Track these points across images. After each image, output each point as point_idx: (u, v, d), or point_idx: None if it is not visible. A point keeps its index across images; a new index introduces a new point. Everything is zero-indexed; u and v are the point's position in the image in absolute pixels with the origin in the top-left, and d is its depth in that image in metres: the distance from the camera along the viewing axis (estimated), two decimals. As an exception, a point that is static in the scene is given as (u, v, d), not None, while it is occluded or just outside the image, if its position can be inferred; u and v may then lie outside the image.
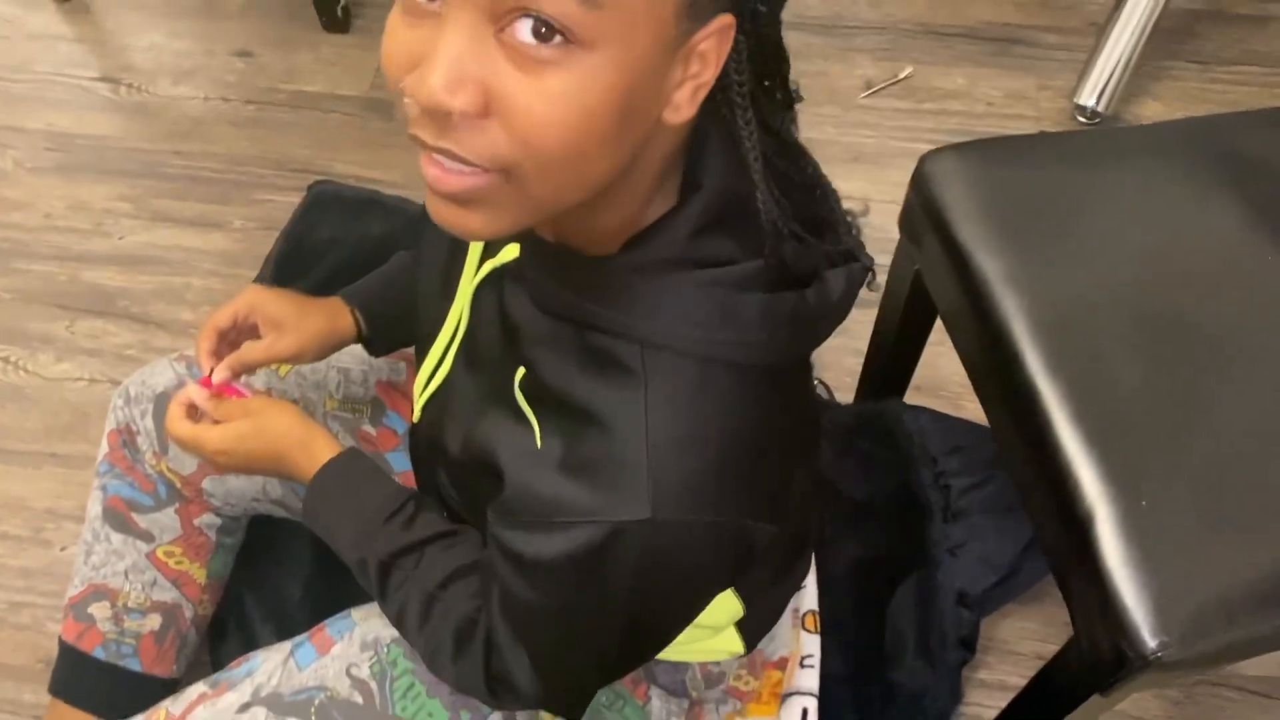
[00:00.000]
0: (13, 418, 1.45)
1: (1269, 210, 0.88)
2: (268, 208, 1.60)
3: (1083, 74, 1.63)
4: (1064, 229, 0.88)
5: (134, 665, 1.12)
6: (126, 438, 1.09)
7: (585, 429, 0.63)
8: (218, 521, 1.14)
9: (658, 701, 0.93)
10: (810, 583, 1.08)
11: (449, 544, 0.83)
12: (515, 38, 0.50)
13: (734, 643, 0.89)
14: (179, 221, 1.61)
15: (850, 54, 1.72)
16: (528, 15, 0.49)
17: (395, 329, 1.01)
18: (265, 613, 1.24)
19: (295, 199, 1.57)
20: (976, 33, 1.74)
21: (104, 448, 1.11)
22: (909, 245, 0.98)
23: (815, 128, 1.64)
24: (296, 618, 1.24)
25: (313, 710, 0.88)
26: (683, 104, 0.55)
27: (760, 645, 0.96)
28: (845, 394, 1.36)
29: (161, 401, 1.07)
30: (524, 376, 0.70)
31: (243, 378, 0.97)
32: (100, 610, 1.11)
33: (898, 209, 1.02)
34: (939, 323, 1.04)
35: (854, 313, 1.52)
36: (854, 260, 0.68)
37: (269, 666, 0.93)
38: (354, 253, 1.50)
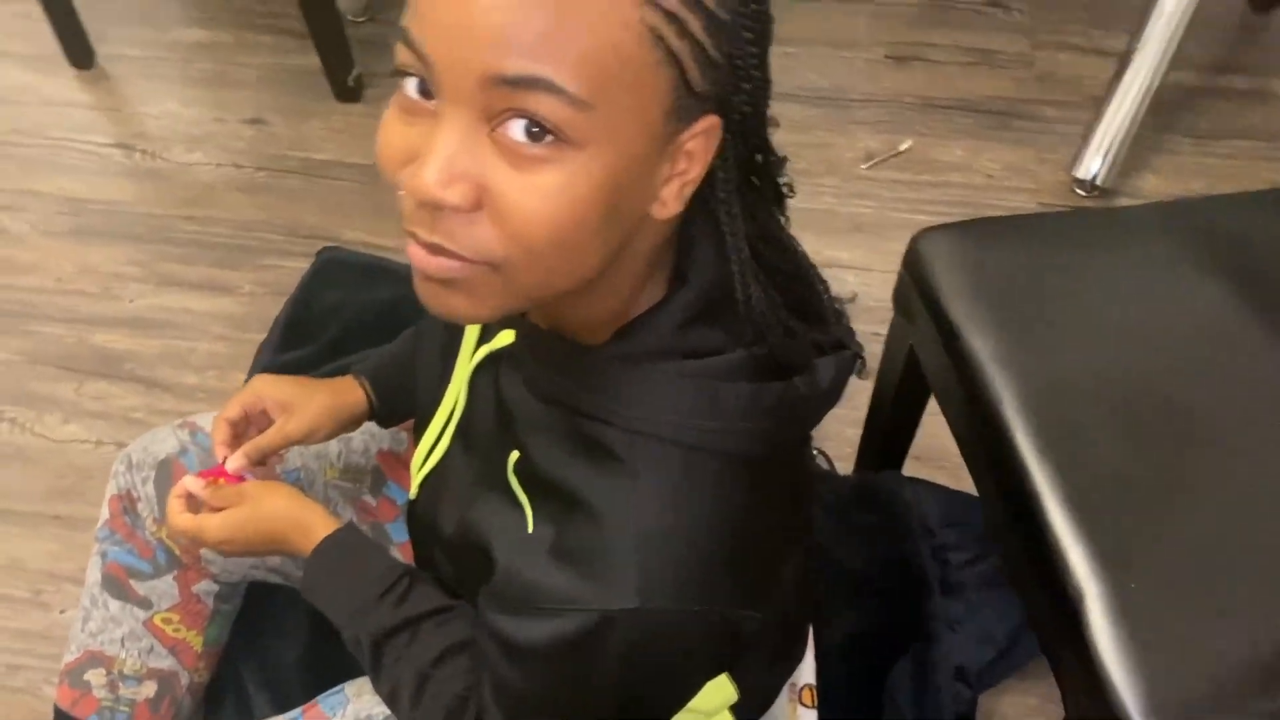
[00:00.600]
0: (17, 478, 1.46)
1: (1256, 292, 0.89)
2: (276, 273, 1.62)
3: (1081, 147, 1.65)
4: (1054, 309, 0.89)
5: (128, 733, 1.12)
6: (127, 504, 1.10)
7: (575, 515, 0.64)
8: (215, 588, 1.14)
9: None
10: (808, 656, 1.07)
11: (443, 620, 0.83)
12: (508, 136, 0.51)
13: (727, 693, 0.89)
14: (187, 286, 1.63)
15: (851, 126, 1.74)
16: (521, 116, 0.50)
17: (407, 402, 1.02)
18: (261, 681, 1.23)
19: (304, 264, 1.59)
20: (976, 106, 1.77)
21: (104, 513, 1.11)
22: (902, 321, 1.00)
23: (816, 198, 1.66)
24: (292, 686, 1.23)
25: None
26: (670, 200, 0.57)
27: (757, 720, 0.95)
28: (845, 464, 1.36)
29: (163, 468, 1.08)
30: (517, 460, 0.71)
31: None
32: (96, 677, 1.10)
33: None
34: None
35: (853, 383, 1.53)
36: (843, 348, 0.69)
37: None
38: (361, 318, 1.52)
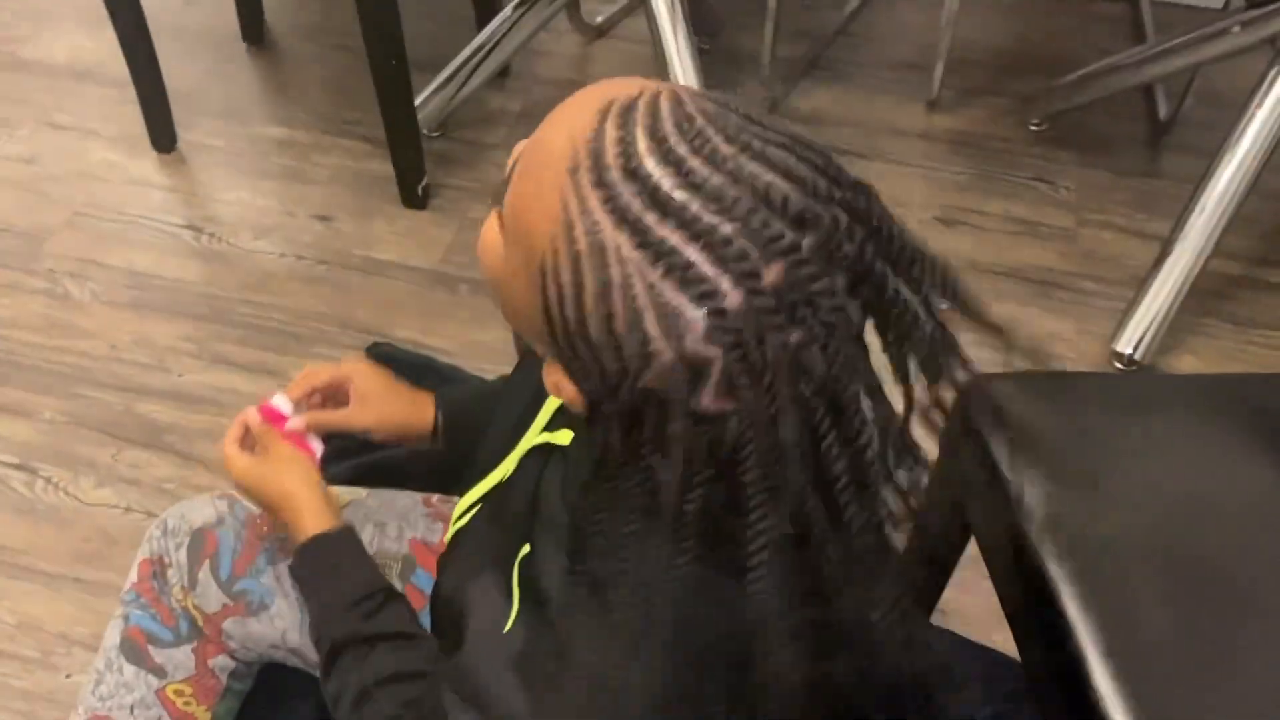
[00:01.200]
0: (45, 538, 1.46)
1: (1302, 470, 0.89)
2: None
3: (1121, 323, 1.69)
4: (1105, 467, 0.90)
5: (124, 805, 1.09)
6: (158, 569, 1.10)
7: (547, 637, 0.66)
8: (231, 665, 1.13)
9: None
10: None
11: (400, 646, 0.85)
12: None
13: None
14: (238, 366, 1.66)
15: (897, 280, 1.78)
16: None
17: (468, 446, 1.04)
18: (261, 766, 1.21)
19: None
20: (1020, 274, 1.81)
21: (133, 576, 1.11)
22: (950, 470, 1.00)
23: (859, 345, 1.69)
24: (293, 774, 1.21)
25: None
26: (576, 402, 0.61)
27: None
28: (870, 609, 1.35)
29: (198, 537, 1.09)
30: (525, 555, 0.72)
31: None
32: (99, 744, 1.09)
33: (935, 433, 1.04)
34: (970, 548, 1.05)
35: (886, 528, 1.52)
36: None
37: None
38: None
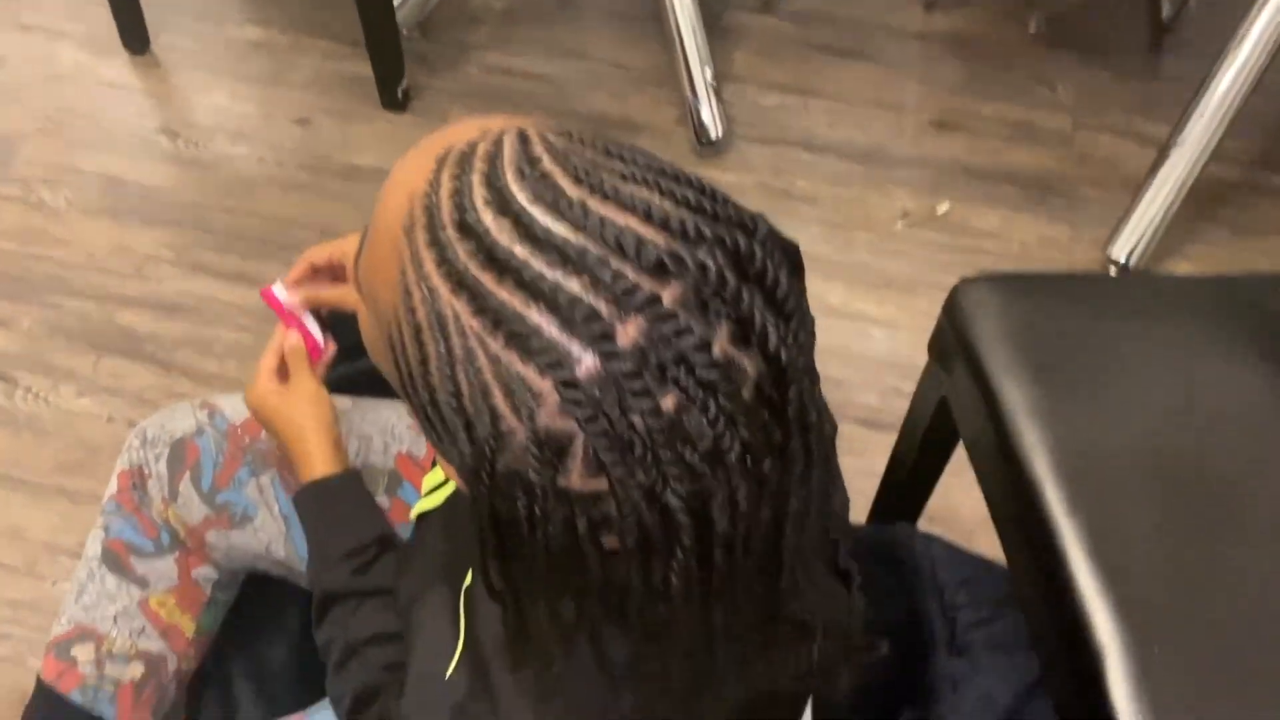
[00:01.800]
0: (26, 447, 1.45)
1: (1300, 374, 0.88)
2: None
3: (1116, 228, 1.66)
4: (1094, 370, 0.88)
5: (108, 714, 1.10)
6: (137, 480, 1.09)
7: (485, 699, 0.63)
8: (215, 575, 1.12)
9: None
10: (805, 708, 1.05)
11: (389, 604, 0.84)
12: None
13: None
14: (217, 274, 1.64)
15: (890, 185, 1.75)
16: None
17: None
18: (248, 674, 1.21)
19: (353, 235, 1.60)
20: (1015, 178, 1.78)
21: (112, 487, 1.10)
22: (937, 370, 0.99)
23: (849, 251, 1.66)
24: (279, 684, 1.21)
25: None
26: None
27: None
28: (857, 515, 1.35)
29: (178, 448, 1.07)
30: (468, 586, 0.70)
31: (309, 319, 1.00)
32: (84, 653, 1.09)
33: (925, 336, 1.03)
34: (957, 454, 1.04)
35: (871, 435, 1.53)
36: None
37: None
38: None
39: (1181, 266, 1.68)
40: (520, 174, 0.47)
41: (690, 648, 0.54)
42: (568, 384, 0.45)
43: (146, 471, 1.08)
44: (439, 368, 0.47)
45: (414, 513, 0.92)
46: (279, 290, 0.99)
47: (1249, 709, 0.74)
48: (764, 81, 1.86)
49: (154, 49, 1.94)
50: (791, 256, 0.51)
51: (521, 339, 0.45)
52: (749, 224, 0.49)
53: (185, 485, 1.07)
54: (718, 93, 1.76)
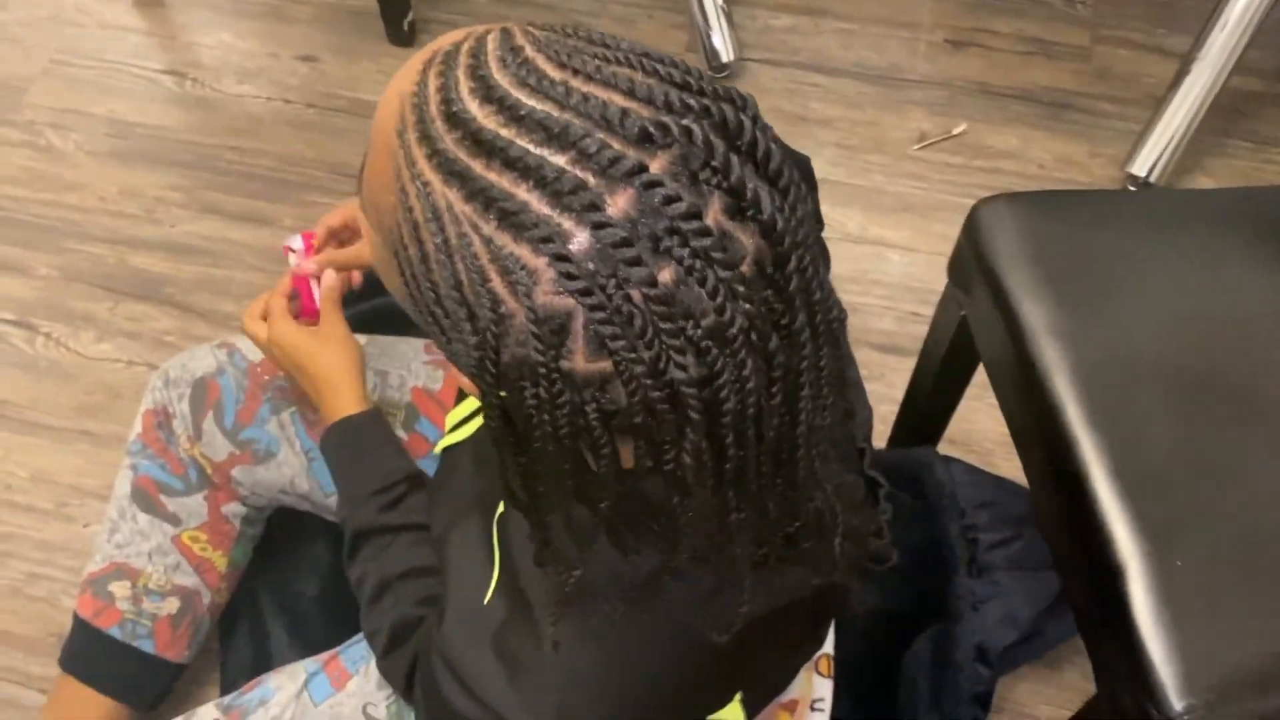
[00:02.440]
0: (49, 393, 1.46)
1: (1323, 284, 0.87)
2: (317, 209, 1.62)
3: (1136, 144, 1.63)
4: (1113, 285, 0.88)
5: (148, 647, 1.12)
6: (162, 419, 1.10)
7: (522, 617, 0.64)
8: (243, 511, 1.14)
9: None
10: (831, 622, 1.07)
11: (420, 539, 0.85)
12: None
13: (736, 713, 0.88)
14: (229, 215, 1.63)
15: (905, 106, 1.73)
16: None
17: None
18: (278, 607, 1.24)
19: (344, 202, 1.59)
20: (1032, 96, 1.75)
21: (137, 427, 1.12)
22: (956, 291, 0.98)
23: (865, 175, 1.64)
24: (309, 617, 1.24)
25: None
26: None
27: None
28: (878, 441, 1.35)
29: (199, 387, 1.08)
30: (501, 515, 0.71)
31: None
32: (120, 589, 1.11)
33: (942, 260, 1.02)
34: (977, 377, 1.04)
35: (890, 360, 1.52)
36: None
37: (283, 698, 0.94)
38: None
39: (1202, 181, 1.66)
40: (503, 63, 0.48)
41: (710, 546, 0.54)
42: (561, 258, 0.45)
43: (170, 411, 1.09)
44: (438, 261, 0.48)
45: (439, 447, 0.93)
46: (294, 259, 0.98)
47: (1273, 617, 0.74)
48: (774, 3, 1.82)
49: (156, -12, 1.91)
50: (804, 170, 0.51)
51: (512, 218, 0.45)
52: (736, 99, 0.48)
53: (209, 423, 1.08)
54: (728, 16, 1.73)
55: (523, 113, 0.46)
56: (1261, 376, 0.83)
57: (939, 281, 1.03)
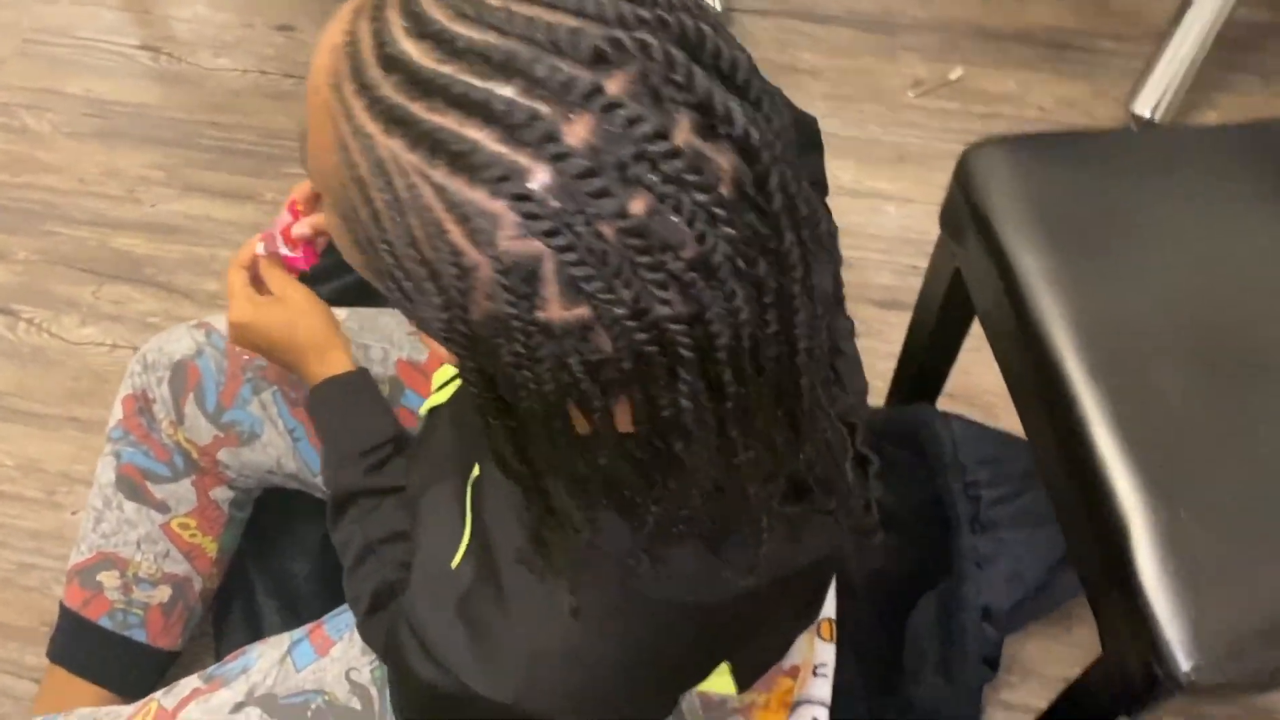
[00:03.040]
0: (34, 379, 1.44)
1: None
2: (300, 181, 1.59)
3: (1140, 82, 1.58)
4: (1113, 231, 0.84)
5: (139, 636, 1.11)
6: (143, 404, 1.08)
7: (490, 586, 0.62)
8: (231, 494, 1.12)
9: None
10: (829, 592, 1.04)
11: (403, 502, 0.83)
12: None
13: (726, 685, 0.85)
14: (211, 192, 1.60)
15: (900, 53, 1.68)
16: None
17: None
18: (270, 589, 1.22)
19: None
20: (1031, 36, 1.69)
21: (117, 413, 1.09)
22: (949, 242, 0.95)
23: (860, 126, 1.60)
24: (301, 597, 1.22)
25: (309, 715, 0.88)
26: None
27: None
28: (875, 399, 1.32)
29: (178, 370, 1.06)
30: (476, 478, 0.69)
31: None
32: (109, 579, 1.09)
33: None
34: (975, 330, 1.00)
35: (889, 316, 1.48)
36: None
37: (265, 665, 0.92)
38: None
39: (1209, 118, 1.61)
40: None
41: (720, 488, 0.51)
42: (521, 198, 0.41)
43: (151, 396, 1.07)
44: (390, 219, 0.44)
45: (423, 409, 0.90)
46: (297, 228, 0.94)
47: (1282, 569, 0.71)
48: (762, -49, 1.77)
49: (128, -39, 1.87)
50: (810, 132, 0.48)
51: (462, 160, 0.41)
52: (693, 7, 0.44)
53: (190, 407, 1.05)
54: (714, -35, 1.68)
55: (461, 45, 0.42)
56: (1268, 325, 0.79)
57: (937, 230, 1.00)
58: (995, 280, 0.85)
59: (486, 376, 0.47)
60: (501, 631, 0.61)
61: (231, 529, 1.15)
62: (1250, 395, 0.76)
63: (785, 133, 0.45)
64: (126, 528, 1.09)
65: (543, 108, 0.41)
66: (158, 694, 0.95)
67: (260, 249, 0.92)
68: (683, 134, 0.42)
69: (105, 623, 1.10)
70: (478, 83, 0.41)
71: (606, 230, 0.41)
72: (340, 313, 1.07)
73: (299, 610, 1.19)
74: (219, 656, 1.20)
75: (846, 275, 1.33)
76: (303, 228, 0.93)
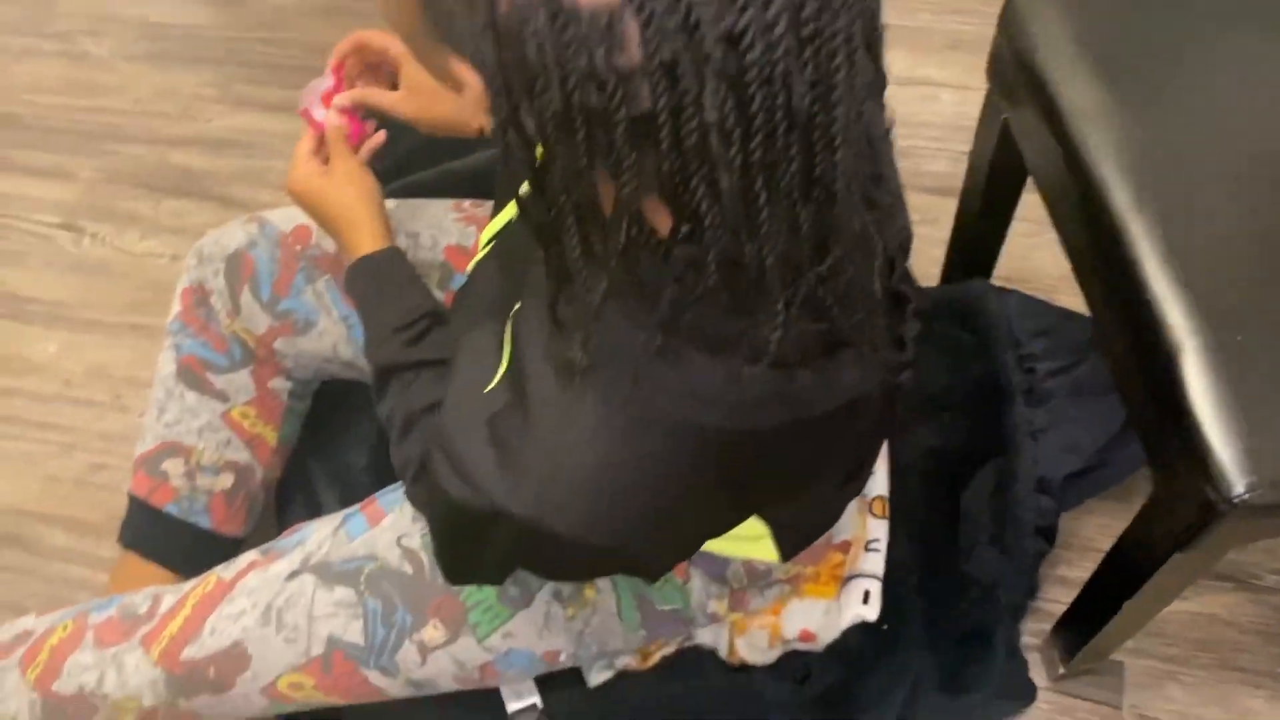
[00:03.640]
0: (99, 291, 1.48)
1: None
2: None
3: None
4: (1166, 59, 0.81)
5: (205, 522, 1.13)
6: (200, 296, 1.10)
7: (519, 405, 0.63)
8: (289, 385, 1.14)
9: (698, 582, 0.90)
10: (881, 469, 1.03)
11: (444, 375, 0.84)
12: None
13: (769, 552, 0.85)
14: (262, 107, 1.62)
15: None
16: None
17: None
18: (330, 479, 1.24)
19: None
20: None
21: (176, 306, 1.11)
22: (996, 95, 0.92)
23: (911, 15, 1.56)
24: (360, 485, 1.23)
25: (362, 579, 0.89)
26: None
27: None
28: (929, 282, 1.30)
29: (233, 261, 1.07)
30: (517, 310, 0.69)
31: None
32: (174, 466, 1.12)
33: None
34: (1032, 214, 0.98)
35: (945, 203, 1.45)
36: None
37: (319, 536, 0.94)
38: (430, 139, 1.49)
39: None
40: None
41: (739, 251, 0.49)
42: None
43: (208, 288, 1.09)
44: None
45: (470, 267, 0.90)
46: (318, 111, 0.95)
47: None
48: None
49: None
50: (872, 14, 0.47)
51: None
52: None
53: (246, 297, 1.07)
54: None
55: None
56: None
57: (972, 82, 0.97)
58: (1042, 121, 0.83)
59: (512, 102, 0.46)
60: (523, 447, 0.62)
61: (290, 419, 1.17)
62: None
63: None
64: (189, 416, 1.12)
65: None
66: (217, 568, 0.97)
67: (332, 117, 0.92)
68: None
69: (172, 509, 1.12)
70: None
71: None
72: (389, 203, 1.08)
73: (358, 497, 1.21)
74: (282, 543, 1.23)
75: (902, 164, 1.31)
76: (345, 101, 0.94)
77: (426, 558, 0.90)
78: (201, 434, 1.12)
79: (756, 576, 0.92)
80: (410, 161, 1.41)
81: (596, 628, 0.90)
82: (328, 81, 0.93)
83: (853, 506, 0.95)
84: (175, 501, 1.13)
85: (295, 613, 0.90)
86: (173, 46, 1.70)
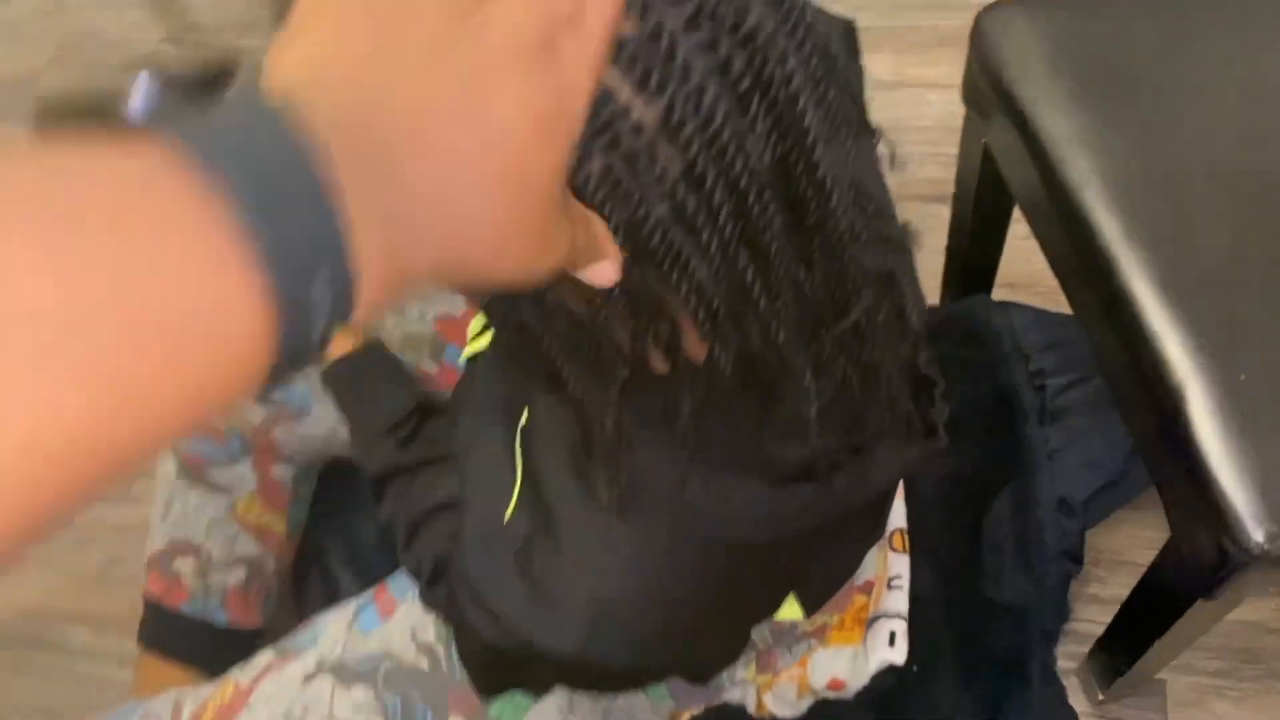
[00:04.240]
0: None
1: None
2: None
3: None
4: (1145, 80, 0.77)
5: (221, 619, 1.13)
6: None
7: (547, 535, 0.60)
8: (291, 470, 1.13)
9: None
10: (897, 501, 1.00)
11: (441, 472, 0.81)
12: None
13: (793, 611, 0.82)
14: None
15: (927, -66, 1.58)
16: None
17: None
18: (345, 558, 1.23)
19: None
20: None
21: (172, 402, 1.10)
22: (974, 118, 0.89)
23: (894, 15, 1.52)
24: (375, 562, 1.23)
25: (379, 678, 0.88)
26: None
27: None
28: (929, 298, 1.26)
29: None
30: (525, 425, 0.66)
31: None
32: (185, 565, 1.11)
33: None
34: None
35: (939, 210, 1.41)
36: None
37: (333, 633, 0.93)
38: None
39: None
40: None
41: (748, 335, 0.44)
42: None
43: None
44: None
45: (462, 358, 0.89)
46: None
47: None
48: None
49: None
50: (848, 35, 0.43)
51: None
52: None
53: (237, 390, 1.06)
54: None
55: None
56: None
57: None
58: (1021, 148, 0.79)
59: None
60: (559, 581, 0.60)
61: (297, 504, 1.16)
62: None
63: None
64: (194, 514, 1.11)
65: None
66: (233, 671, 0.96)
67: None
68: None
69: (186, 609, 1.12)
70: None
71: None
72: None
73: (371, 570, 1.20)
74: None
75: (891, 172, 1.27)
76: None
77: (442, 650, 0.88)
78: (209, 531, 1.11)
79: (782, 634, 0.90)
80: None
81: (623, 704, 0.88)
82: None
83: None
84: (190, 600, 1.12)
85: (315, 719, 0.89)
86: None
